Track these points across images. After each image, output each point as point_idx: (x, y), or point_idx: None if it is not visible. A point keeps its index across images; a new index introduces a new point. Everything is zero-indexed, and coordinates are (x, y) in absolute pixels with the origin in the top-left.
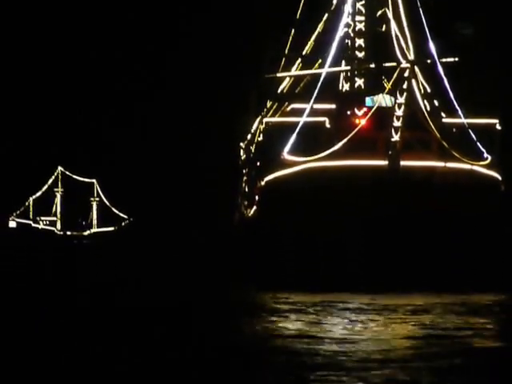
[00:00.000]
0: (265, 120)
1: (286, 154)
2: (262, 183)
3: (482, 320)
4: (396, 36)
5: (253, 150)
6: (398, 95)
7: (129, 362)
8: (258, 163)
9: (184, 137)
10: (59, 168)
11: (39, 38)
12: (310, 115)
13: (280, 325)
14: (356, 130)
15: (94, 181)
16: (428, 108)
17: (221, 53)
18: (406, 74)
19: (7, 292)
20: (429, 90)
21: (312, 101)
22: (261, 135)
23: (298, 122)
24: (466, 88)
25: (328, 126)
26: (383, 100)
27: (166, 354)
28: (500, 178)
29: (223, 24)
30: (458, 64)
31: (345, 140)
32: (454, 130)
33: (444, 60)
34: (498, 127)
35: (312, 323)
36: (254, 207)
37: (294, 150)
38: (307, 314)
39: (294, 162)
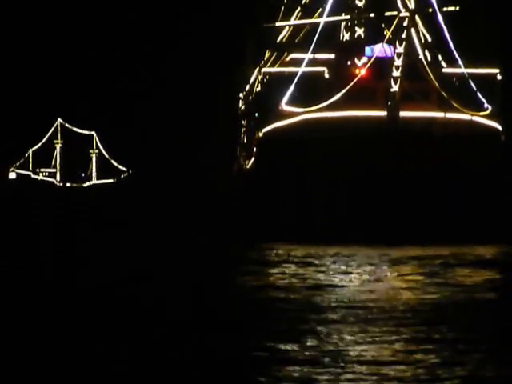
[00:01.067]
0: (263, 70)
1: (284, 105)
2: (260, 134)
3: (482, 272)
4: None
5: (251, 101)
6: (397, 45)
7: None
8: (256, 114)
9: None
10: (59, 120)
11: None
12: (309, 65)
13: (277, 276)
14: (355, 80)
15: (93, 133)
16: (428, 58)
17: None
18: (406, 23)
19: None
20: (429, 40)
21: (310, 51)
22: (259, 86)
23: (296, 72)
24: (467, 38)
25: (327, 76)
26: (383, 49)
27: (167, 312)
28: (500, 128)
29: None
30: (459, 13)
31: (343, 90)
32: (454, 80)
33: (445, 9)
34: (499, 77)
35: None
36: (252, 158)
37: (293, 101)
38: (302, 266)
39: (292, 113)
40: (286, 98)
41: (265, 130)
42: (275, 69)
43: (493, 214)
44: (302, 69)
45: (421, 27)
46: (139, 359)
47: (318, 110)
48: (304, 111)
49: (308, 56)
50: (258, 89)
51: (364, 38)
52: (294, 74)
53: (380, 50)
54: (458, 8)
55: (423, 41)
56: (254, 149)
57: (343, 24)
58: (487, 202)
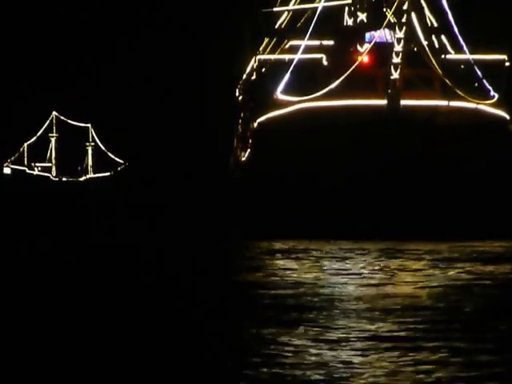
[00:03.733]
0: (257, 58)
1: (279, 94)
2: (255, 125)
3: (489, 268)
4: None
5: (246, 90)
6: (397, 30)
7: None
8: (252, 103)
9: (181, 82)
10: (54, 113)
11: None
12: (307, 52)
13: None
14: (353, 67)
15: (88, 125)
16: (431, 43)
17: None
18: (406, 7)
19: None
20: (432, 25)
21: (307, 37)
22: (254, 74)
23: (292, 60)
24: (474, 22)
25: (325, 63)
26: (383, 35)
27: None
28: (508, 117)
29: None
30: None
31: (341, 78)
32: (459, 66)
33: None
34: (507, 64)
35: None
36: (248, 150)
37: (289, 90)
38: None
39: (288, 102)
40: (281, 87)
41: (259, 120)
42: (270, 56)
43: (501, 208)
44: (299, 56)
45: (425, 11)
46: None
47: (315, 98)
48: (300, 100)
49: (305, 42)
50: (253, 77)
51: (366, 24)
52: (291, 61)
53: (380, 35)
54: None
55: (426, 25)
56: (250, 140)
57: (346, 9)
58: (495, 195)
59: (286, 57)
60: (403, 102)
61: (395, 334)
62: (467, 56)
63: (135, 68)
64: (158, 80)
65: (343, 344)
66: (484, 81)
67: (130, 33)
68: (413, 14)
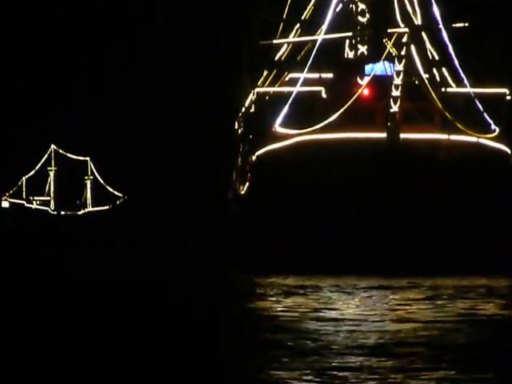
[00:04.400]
0: (256, 90)
1: (277, 127)
2: (253, 158)
3: (489, 305)
4: None
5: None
6: (396, 62)
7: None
8: (251, 136)
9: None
10: (52, 146)
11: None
12: (306, 84)
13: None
14: (352, 100)
15: (87, 159)
16: (431, 76)
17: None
18: (405, 40)
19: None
20: (433, 58)
21: (306, 69)
22: (252, 106)
23: (291, 92)
24: (476, 55)
25: (324, 96)
26: (383, 68)
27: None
28: (509, 151)
29: None
30: (468, 30)
31: (340, 111)
32: (459, 100)
33: (453, 25)
34: (508, 97)
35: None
36: (247, 184)
37: (287, 122)
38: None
39: (287, 135)
40: (280, 120)
41: (258, 153)
42: (269, 88)
43: (502, 243)
44: (298, 88)
45: (425, 44)
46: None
47: (314, 131)
48: (299, 133)
49: (304, 75)
50: (252, 110)
51: (367, 56)
52: (289, 93)
53: (380, 67)
54: (466, 24)
55: (426, 58)
56: (248, 173)
57: (347, 41)
58: (496, 230)
59: (285, 89)
60: (403, 136)
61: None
62: (468, 89)
63: (133, 103)
64: (157, 114)
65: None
66: (485, 114)
67: (127, 72)
68: (413, 47)
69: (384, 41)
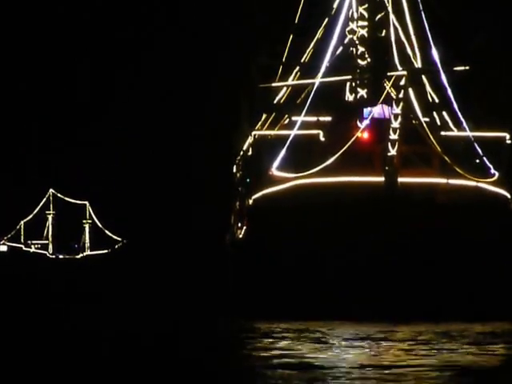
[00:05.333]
0: (253, 133)
1: (275, 170)
2: (250, 202)
3: (487, 350)
4: (398, 42)
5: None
6: (394, 105)
7: None
8: (248, 180)
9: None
10: (50, 190)
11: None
12: (304, 128)
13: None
14: (349, 143)
15: (86, 203)
16: (430, 120)
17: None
18: (403, 83)
19: None
20: (437, 101)
21: (303, 112)
22: (250, 150)
23: (289, 135)
24: (477, 99)
25: (322, 139)
26: (381, 111)
27: None
28: (509, 195)
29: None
30: (469, 73)
31: (337, 154)
32: (459, 143)
33: (454, 68)
34: (508, 141)
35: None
36: (244, 228)
37: (285, 166)
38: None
39: (284, 179)
40: (277, 163)
41: (255, 196)
42: (266, 132)
43: (501, 289)
44: (295, 131)
45: (425, 87)
46: None
47: (311, 175)
48: (296, 176)
49: (302, 118)
50: (250, 153)
51: (366, 99)
52: (287, 137)
53: (378, 110)
54: (468, 67)
55: (426, 101)
56: (246, 217)
57: (347, 84)
58: (495, 277)
59: (282, 132)
60: (401, 180)
61: None
62: (467, 133)
63: (131, 148)
64: (155, 159)
65: None
66: (484, 158)
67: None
68: (411, 90)
69: (383, 84)
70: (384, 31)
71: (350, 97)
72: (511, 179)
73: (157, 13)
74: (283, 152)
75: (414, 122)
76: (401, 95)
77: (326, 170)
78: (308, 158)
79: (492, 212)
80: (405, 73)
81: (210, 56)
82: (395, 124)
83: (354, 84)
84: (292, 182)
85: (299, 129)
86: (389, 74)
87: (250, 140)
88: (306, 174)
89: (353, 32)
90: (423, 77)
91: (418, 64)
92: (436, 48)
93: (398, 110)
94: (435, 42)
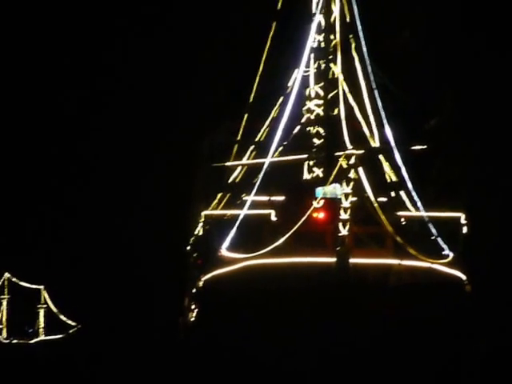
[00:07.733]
0: (203, 213)
1: (224, 250)
2: (200, 283)
3: None
4: (352, 120)
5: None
6: (344, 185)
7: None
8: (199, 260)
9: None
10: (6, 274)
11: None
12: (255, 207)
13: None
14: (299, 222)
15: (41, 287)
16: (385, 199)
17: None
18: (352, 162)
19: None
20: (392, 180)
21: (253, 192)
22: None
23: (239, 215)
24: (432, 178)
25: (274, 218)
26: (333, 190)
27: None
28: (464, 277)
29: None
30: (426, 152)
31: (287, 234)
32: (412, 224)
33: (411, 148)
34: (463, 221)
35: None
36: (196, 311)
37: (235, 246)
38: None
39: (234, 259)
40: (227, 243)
41: (205, 278)
42: (215, 211)
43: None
44: (246, 211)
45: (381, 166)
46: None
47: (260, 255)
48: (245, 257)
49: (252, 197)
50: (200, 234)
51: (320, 179)
52: (237, 216)
53: (330, 190)
54: (425, 146)
55: (379, 181)
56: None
57: (305, 163)
58: (454, 364)
59: (233, 212)
60: (353, 260)
61: None
62: (422, 213)
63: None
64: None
65: None
66: (439, 239)
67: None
68: (363, 170)
69: (335, 163)
70: (336, 109)
71: (306, 176)
72: (466, 260)
73: None
74: (233, 232)
75: (365, 201)
76: (351, 174)
77: (276, 251)
78: (259, 239)
79: (447, 294)
80: (355, 152)
81: (158, 132)
82: (346, 203)
83: (309, 163)
84: (242, 263)
85: (250, 208)
86: (338, 153)
87: (200, 220)
88: (255, 254)
89: (310, 111)
90: (380, 156)
91: (376, 143)
92: (391, 127)
93: (348, 190)
94: (390, 121)
